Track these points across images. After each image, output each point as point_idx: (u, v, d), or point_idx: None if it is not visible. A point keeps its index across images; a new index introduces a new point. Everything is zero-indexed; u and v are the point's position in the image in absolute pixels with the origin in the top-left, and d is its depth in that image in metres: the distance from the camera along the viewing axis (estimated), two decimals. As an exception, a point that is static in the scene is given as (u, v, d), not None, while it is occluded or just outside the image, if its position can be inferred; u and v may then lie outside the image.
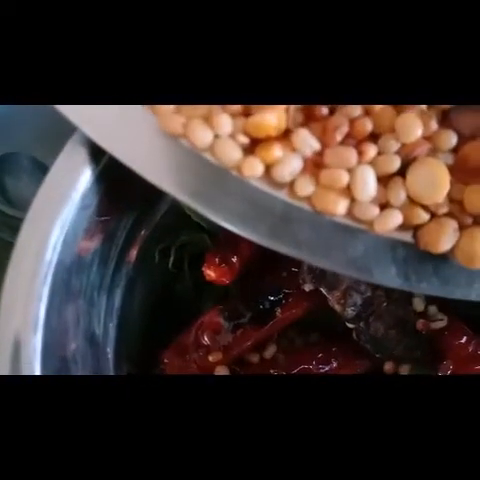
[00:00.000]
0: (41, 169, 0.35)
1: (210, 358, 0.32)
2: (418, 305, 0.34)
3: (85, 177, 0.21)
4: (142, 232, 0.29)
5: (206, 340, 0.33)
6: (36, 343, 0.20)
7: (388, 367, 0.32)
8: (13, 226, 0.23)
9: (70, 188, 0.21)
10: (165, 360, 0.32)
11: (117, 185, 0.23)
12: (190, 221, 0.33)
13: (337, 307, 0.33)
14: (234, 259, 0.32)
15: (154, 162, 0.21)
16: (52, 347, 0.21)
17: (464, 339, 0.34)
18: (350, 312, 0.33)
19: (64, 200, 0.21)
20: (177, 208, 0.30)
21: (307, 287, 0.33)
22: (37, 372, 0.20)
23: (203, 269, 0.32)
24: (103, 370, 0.26)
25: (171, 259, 0.34)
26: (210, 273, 0.32)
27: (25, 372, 0.20)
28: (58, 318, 0.21)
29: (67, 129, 0.21)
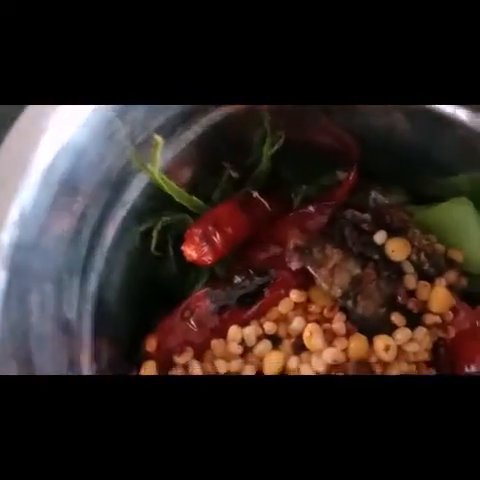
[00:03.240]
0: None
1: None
2: (410, 282, 0.33)
3: (44, 152, 0.20)
4: (118, 212, 0.28)
5: (193, 323, 0.32)
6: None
7: (377, 345, 0.31)
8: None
9: (27, 164, 0.20)
10: (150, 344, 0.31)
11: (82, 161, 0.22)
12: (172, 201, 0.32)
13: (324, 285, 0.32)
14: (216, 238, 0.32)
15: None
16: (12, 334, 0.20)
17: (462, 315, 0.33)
18: (338, 290, 0.32)
19: (21, 178, 0.20)
20: (155, 188, 0.29)
21: (293, 266, 0.32)
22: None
23: (183, 248, 0.31)
24: (79, 357, 0.25)
25: (153, 242, 0.33)
26: (191, 253, 0.31)
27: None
28: (19, 304, 0.20)
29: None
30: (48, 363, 0.22)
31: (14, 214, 0.20)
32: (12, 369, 0.20)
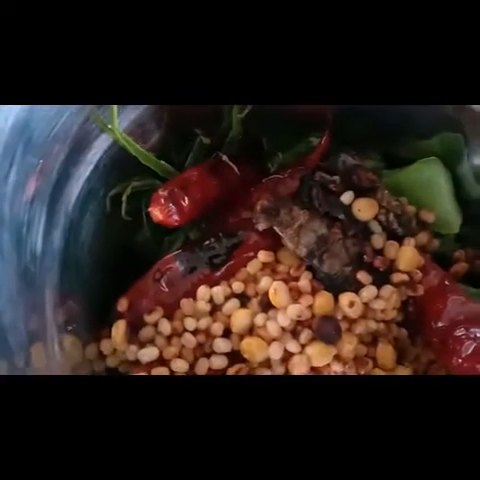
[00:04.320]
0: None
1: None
2: (377, 242, 0.33)
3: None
4: (80, 172, 0.29)
5: (163, 285, 0.33)
6: None
7: (342, 301, 0.31)
8: None
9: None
10: (121, 305, 0.32)
11: (36, 112, 0.23)
12: (141, 165, 0.33)
13: (290, 245, 0.32)
14: (184, 201, 0.32)
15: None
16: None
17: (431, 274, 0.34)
18: (303, 250, 0.32)
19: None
20: (121, 150, 0.30)
21: (260, 226, 0.33)
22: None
23: (149, 209, 0.32)
24: (39, 309, 0.26)
25: (123, 206, 0.33)
26: (157, 214, 0.32)
27: None
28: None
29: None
30: (6, 305, 0.23)
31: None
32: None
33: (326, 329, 0.30)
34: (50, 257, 0.27)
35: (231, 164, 0.35)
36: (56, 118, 0.25)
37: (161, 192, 0.32)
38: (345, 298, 0.31)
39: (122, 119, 0.29)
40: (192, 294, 0.33)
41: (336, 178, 0.34)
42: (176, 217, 0.32)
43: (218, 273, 0.33)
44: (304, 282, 0.32)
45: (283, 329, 0.31)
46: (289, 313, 0.31)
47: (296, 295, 0.31)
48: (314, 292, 0.31)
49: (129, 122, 0.30)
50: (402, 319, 0.34)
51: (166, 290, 0.33)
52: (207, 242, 0.33)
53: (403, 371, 0.32)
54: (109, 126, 0.28)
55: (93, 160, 0.29)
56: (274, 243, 0.33)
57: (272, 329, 0.31)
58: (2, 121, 0.21)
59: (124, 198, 0.33)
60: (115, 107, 0.27)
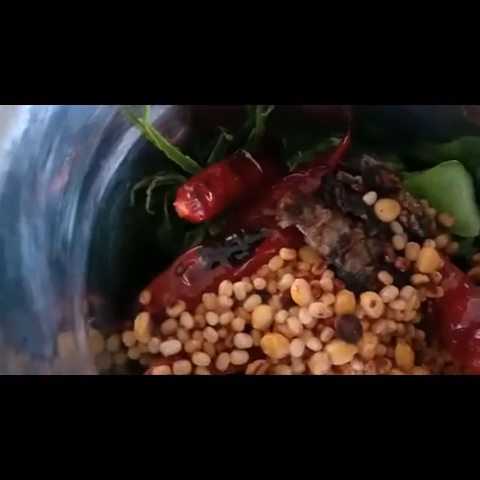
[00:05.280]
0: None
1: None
2: (398, 242, 0.33)
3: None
4: (110, 163, 0.29)
5: (185, 279, 0.33)
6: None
7: (364, 300, 0.31)
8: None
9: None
10: (144, 297, 0.33)
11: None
12: (166, 160, 0.33)
13: (313, 243, 0.33)
14: (209, 196, 0.32)
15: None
16: (3, 261, 0.21)
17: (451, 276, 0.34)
18: (326, 248, 0.32)
19: (11, 111, 0.21)
20: (148, 144, 0.30)
21: (283, 224, 0.33)
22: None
23: (175, 204, 0.32)
24: (68, 299, 0.26)
25: (148, 200, 0.34)
26: (182, 208, 0.32)
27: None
28: (9, 233, 0.21)
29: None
30: (40, 292, 0.23)
31: (6, 144, 0.21)
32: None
33: (348, 328, 0.31)
34: (79, 247, 0.27)
35: (254, 161, 0.35)
36: (91, 109, 0.25)
37: (187, 187, 0.32)
38: (367, 297, 0.31)
39: (151, 113, 0.30)
40: (214, 289, 0.33)
41: (359, 178, 0.35)
42: (201, 212, 0.32)
43: (240, 269, 0.33)
44: (326, 280, 0.32)
45: (304, 326, 0.31)
46: (311, 311, 0.31)
47: (317, 293, 0.32)
48: (336, 291, 0.32)
49: (158, 116, 0.30)
50: (419, 320, 0.34)
51: (188, 284, 0.33)
52: (230, 238, 0.34)
53: (421, 372, 0.32)
54: (139, 120, 0.29)
55: (123, 152, 0.29)
56: (296, 241, 0.34)
57: (293, 326, 0.31)
58: (42, 111, 0.22)
59: (149, 192, 0.33)
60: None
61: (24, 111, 0.21)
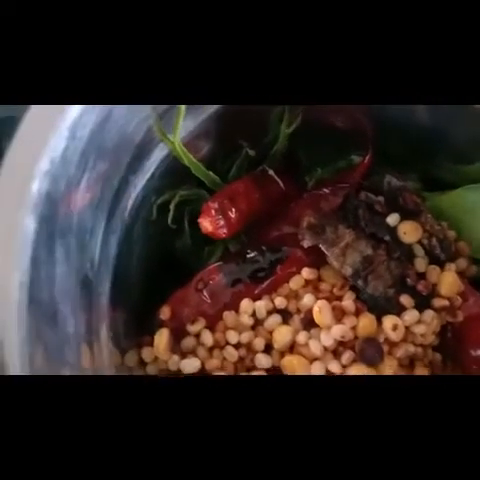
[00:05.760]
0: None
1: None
2: (420, 265, 0.33)
3: (73, 107, 0.21)
4: (138, 180, 0.29)
5: (206, 295, 0.33)
6: (22, 278, 0.20)
7: (386, 324, 0.31)
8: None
9: (57, 117, 0.21)
10: (164, 313, 0.32)
11: (108, 121, 0.23)
12: (189, 177, 0.33)
13: (335, 264, 0.32)
14: (232, 212, 0.32)
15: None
16: (38, 282, 0.21)
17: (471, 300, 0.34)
18: (348, 269, 0.32)
19: (51, 128, 0.20)
20: (174, 160, 0.30)
21: (306, 243, 0.33)
22: (23, 303, 0.20)
23: (199, 220, 0.32)
24: (94, 315, 0.26)
25: (171, 214, 0.33)
26: (206, 225, 0.32)
27: (10, 305, 0.20)
28: (46, 253, 0.21)
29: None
30: (70, 314, 0.23)
31: (45, 164, 0.20)
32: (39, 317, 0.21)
33: (370, 351, 0.31)
34: (105, 264, 0.27)
35: (277, 178, 0.35)
36: (124, 127, 0.25)
37: (211, 203, 0.32)
38: (389, 321, 0.31)
39: (181, 130, 0.29)
40: (233, 306, 0.32)
41: (381, 199, 0.34)
42: (225, 230, 0.32)
43: (260, 287, 0.33)
44: (348, 302, 0.32)
45: (325, 348, 0.31)
46: (333, 333, 0.31)
47: (339, 315, 0.31)
48: (358, 313, 0.32)
49: (186, 133, 0.30)
50: (439, 343, 0.34)
51: (208, 301, 0.33)
52: (251, 255, 0.33)
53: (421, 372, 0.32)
54: (169, 137, 0.28)
55: (150, 168, 0.29)
56: (317, 260, 0.33)
57: (314, 348, 0.31)
58: (81, 128, 0.21)
59: (172, 206, 0.33)
60: (181, 116, 0.27)
61: (63, 129, 0.21)
